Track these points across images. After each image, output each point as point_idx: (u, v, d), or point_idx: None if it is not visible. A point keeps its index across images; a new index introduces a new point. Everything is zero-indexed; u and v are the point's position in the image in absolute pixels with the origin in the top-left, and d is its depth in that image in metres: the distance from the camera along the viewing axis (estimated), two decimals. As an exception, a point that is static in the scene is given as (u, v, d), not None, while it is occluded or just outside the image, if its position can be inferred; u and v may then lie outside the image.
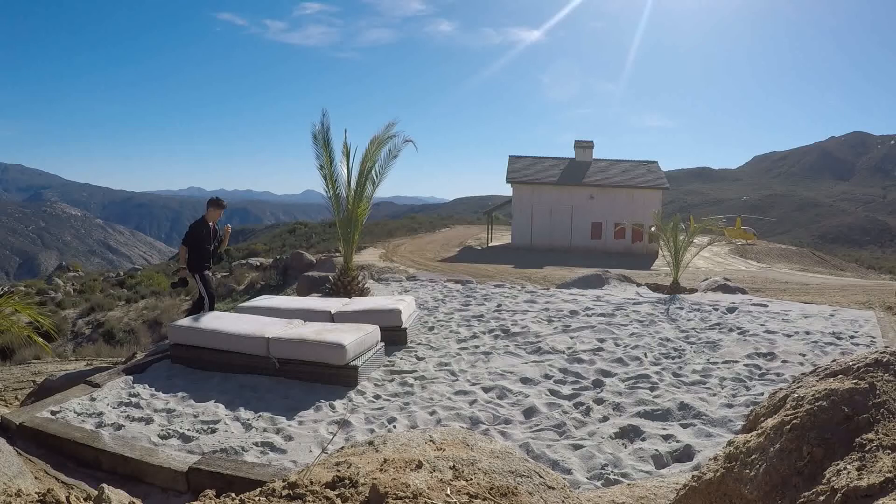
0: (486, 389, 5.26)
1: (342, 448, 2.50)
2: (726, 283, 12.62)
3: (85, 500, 2.31)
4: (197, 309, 7.30)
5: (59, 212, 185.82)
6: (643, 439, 4.15)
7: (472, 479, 1.94)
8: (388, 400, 5.05)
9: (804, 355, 6.27)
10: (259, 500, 1.80)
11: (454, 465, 2.05)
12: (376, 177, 9.66)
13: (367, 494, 1.78)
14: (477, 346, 6.74)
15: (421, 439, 2.39)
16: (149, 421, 4.50)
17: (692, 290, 11.44)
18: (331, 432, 4.34)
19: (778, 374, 5.57)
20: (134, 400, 4.98)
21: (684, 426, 4.37)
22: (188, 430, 4.32)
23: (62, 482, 3.70)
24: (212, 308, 7.35)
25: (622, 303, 9.39)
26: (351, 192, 9.60)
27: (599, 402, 4.91)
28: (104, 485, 2.49)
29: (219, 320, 6.24)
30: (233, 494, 1.92)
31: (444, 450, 2.25)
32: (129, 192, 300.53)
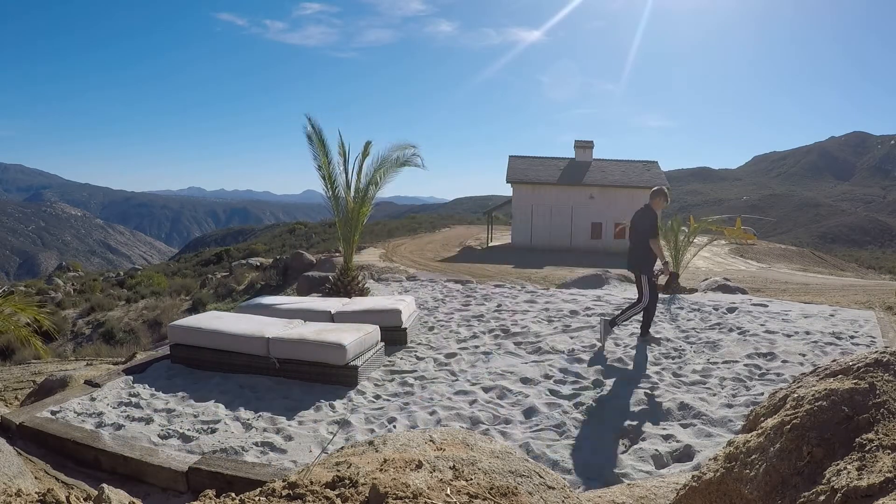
0: (486, 389, 5.26)
1: (342, 448, 2.50)
2: (726, 283, 12.62)
3: (85, 500, 2.31)
4: (647, 314, 6.65)
5: (59, 212, 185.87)
6: (643, 439, 4.15)
7: (472, 479, 1.94)
8: (388, 400, 5.05)
9: (804, 355, 6.27)
10: (259, 500, 1.80)
11: (454, 465, 2.05)
12: (380, 179, 9.70)
13: (367, 494, 1.77)
14: (477, 346, 6.74)
15: (421, 439, 2.39)
16: (149, 421, 4.50)
17: (692, 290, 11.43)
18: (331, 432, 4.34)
19: (778, 374, 5.57)
20: (134, 400, 4.98)
21: (684, 426, 4.37)
22: (188, 430, 4.32)
23: (62, 482, 3.70)
24: (653, 313, 6.65)
25: (622, 303, 9.39)
26: (350, 192, 9.61)
27: (599, 402, 4.91)
28: (104, 485, 2.48)
29: (219, 320, 6.24)
30: (233, 494, 1.91)
31: (444, 450, 2.25)
32: (129, 192, 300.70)
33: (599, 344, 6.59)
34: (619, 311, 6.88)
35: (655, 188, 7.11)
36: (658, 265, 6.67)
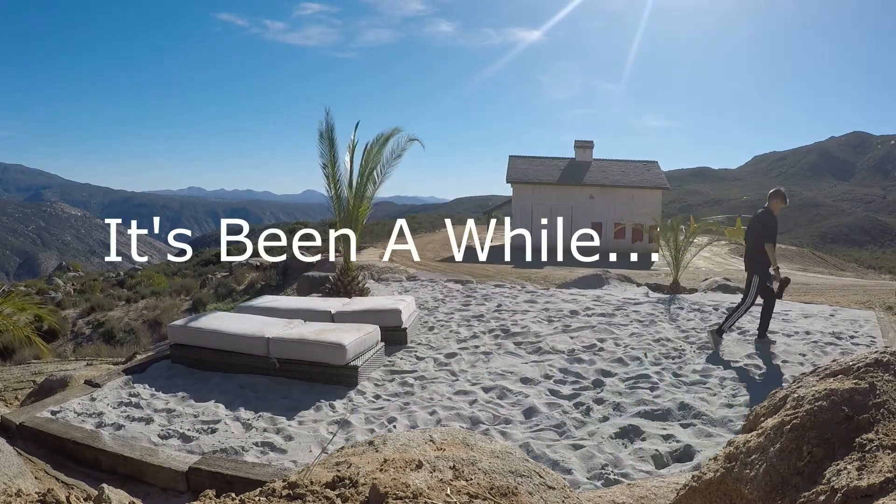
0: (486, 389, 5.26)
1: (342, 448, 2.50)
2: (726, 283, 12.62)
3: (85, 500, 2.31)
4: (765, 316, 6.69)
5: (59, 212, 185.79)
6: (643, 439, 4.15)
7: (472, 479, 1.94)
8: (388, 400, 5.05)
9: (804, 355, 6.27)
10: (259, 500, 1.80)
11: (454, 465, 2.05)
12: (378, 176, 9.69)
13: (367, 494, 1.77)
14: (477, 346, 6.74)
15: (421, 439, 2.39)
16: (149, 421, 4.50)
17: (692, 290, 11.44)
18: (331, 432, 4.34)
19: (778, 374, 5.58)
20: (134, 400, 4.98)
21: (684, 426, 4.37)
22: (188, 430, 4.32)
23: (62, 482, 3.70)
24: (770, 315, 6.67)
25: (622, 303, 9.39)
26: (352, 191, 9.62)
27: (599, 402, 4.91)
28: (104, 485, 2.49)
29: (219, 320, 6.24)
30: (233, 494, 1.91)
31: (444, 450, 2.25)
32: (129, 192, 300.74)
33: (713, 348, 6.52)
34: (724, 318, 6.74)
35: (773, 190, 6.90)
36: (770, 271, 6.61)
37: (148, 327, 19.53)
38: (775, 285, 6.73)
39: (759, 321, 6.90)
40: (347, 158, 9.59)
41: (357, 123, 9.86)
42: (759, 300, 6.84)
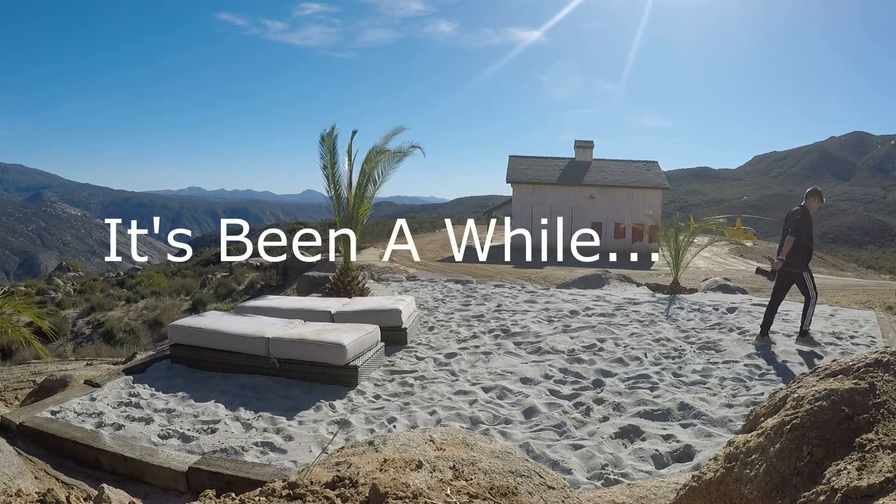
0: (486, 389, 5.26)
1: (342, 448, 2.49)
2: (726, 283, 12.62)
3: (85, 500, 2.31)
4: (768, 315, 6.87)
5: (59, 212, 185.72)
6: (643, 439, 4.15)
7: (472, 479, 1.94)
8: (388, 400, 5.05)
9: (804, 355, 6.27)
10: (259, 500, 1.80)
11: (454, 465, 2.05)
12: (378, 177, 9.71)
13: (367, 494, 1.78)
14: (477, 346, 6.74)
15: (421, 439, 2.39)
16: (149, 421, 4.50)
17: (692, 290, 11.44)
18: (331, 432, 4.34)
19: (778, 374, 5.58)
20: (134, 400, 4.98)
21: (684, 426, 4.37)
22: (188, 430, 4.32)
23: (62, 482, 3.70)
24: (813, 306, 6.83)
25: (622, 303, 9.39)
26: (352, 193, 9.63)
27: (599, 402, 4.91)
28: (104, 485, 2.49)
29: (219, 320, 6.24)
30: (233, 494, 1.91)
31: (444, 450, 2.25)
32: (129, 192, 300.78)
33: (812, 348, 6.59)
34: (801, 319, 6.85)
35: (810, 189, 6.99)
36: (777, 260, 6.75)
37: (148, 327, 19.54)
38: (774, 265, 6.82)
39: (762, 319, 6.92)
40: (347, 160, 9.64)
41: (354, 132, 9.93)
42: (757, 300, 6.85)
